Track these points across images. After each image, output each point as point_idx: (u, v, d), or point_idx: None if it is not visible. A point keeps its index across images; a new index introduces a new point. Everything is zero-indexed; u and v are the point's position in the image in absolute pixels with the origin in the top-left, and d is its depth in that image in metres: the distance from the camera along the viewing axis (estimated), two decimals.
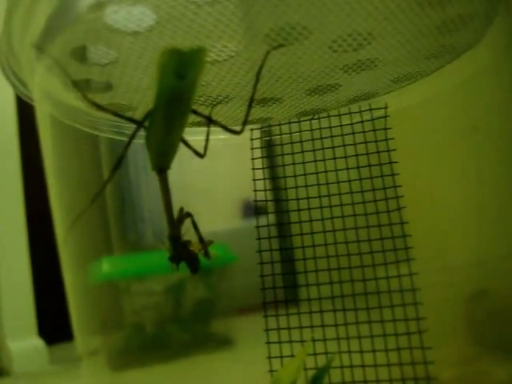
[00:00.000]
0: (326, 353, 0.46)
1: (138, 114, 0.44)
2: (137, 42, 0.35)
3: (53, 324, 1.57)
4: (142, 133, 0.36)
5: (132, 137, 0.36)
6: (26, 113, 1.51)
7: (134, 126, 0.37)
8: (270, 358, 0.47)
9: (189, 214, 0.37)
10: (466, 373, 0.64)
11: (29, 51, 0.38)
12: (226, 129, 0.38)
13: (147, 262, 1.21)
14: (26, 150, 1.52)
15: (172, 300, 1.22)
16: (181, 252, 0.37)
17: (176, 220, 0.37)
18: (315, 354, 0.46)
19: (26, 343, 1.40)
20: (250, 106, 0.37)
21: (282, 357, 0.47)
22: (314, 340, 0.46)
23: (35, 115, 0.45)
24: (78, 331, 0.47)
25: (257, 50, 0.37)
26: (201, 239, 0.38)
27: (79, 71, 0.38)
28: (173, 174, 0.37)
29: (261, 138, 0.52)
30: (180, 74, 0.31)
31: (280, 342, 0.48)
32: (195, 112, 0.38)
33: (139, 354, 1.11)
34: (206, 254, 0.37)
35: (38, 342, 1.42)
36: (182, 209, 0.37)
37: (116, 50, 0.36)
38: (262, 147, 0.52)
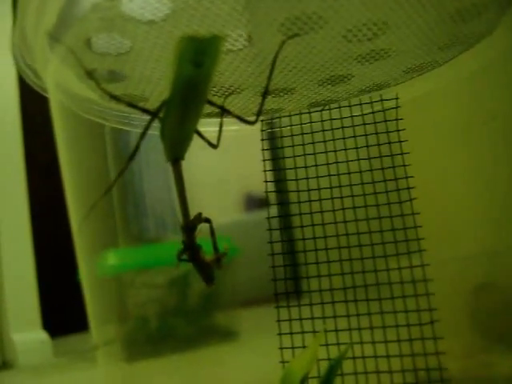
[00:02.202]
0: (338, 343, 0.46)
1: (150, 105, 0.44)
2: (151, 31, 0.34)
3: (57, 317, 1.57)
4: (153, 124, 0.36)
5: (146, 128, 0.36)
6: (28, 103, 1.51)
7: (146, 116, 0.37)
8: (281, 348, 0.47)
9: (207, 220, 0.37)
10: (470, 365, 0.64)
11: (42, 42, 0.38)
12: (240, 119, 0.38)
13: (153, 254, 1.21)
14: (28, 141, 1.52)
15: (176, 293, 1.22)
16: (196, 254, 0.36)
17: (192, 221, 0.36)
18: (327, 345, 0.46)
19: (31, 336, 1.40)
20: (264, 96, 0.37)
21: (293, 348, 0.48)
22: (325, 331, 0.46)
23: (38, 106, 0.45)
24: (93, 322, 0.47)
25: (271, 40, 0.36)
26: (215, 248, 0.38)
27: (93, 61, 0.38)
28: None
29: (271, 129, 0.52)
30: (197, 61, 0.31)
31: (292, 333, 0.48)
32: (209, 102, 0.38)
33: (144, 347, 1.12)
34: (218, 264, 0.37)
35: (43, 335, 1.42)
36: (200, 213, 0.37)
37: (130, 40, 0.35)
38: (271, 138, 0.52)
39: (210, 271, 0.36)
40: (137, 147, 0.36)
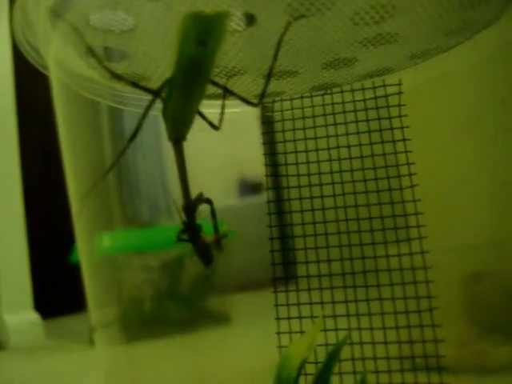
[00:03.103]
0: (336, 329, 0.46)
1: (152, 84, 0.43)
2: (157, 8, 0.34)
3: (49, 298, 1.57)
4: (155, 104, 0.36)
5: (148, 107, 0.36)
6: (24, 84, 1.50)
7: (146, 96, 0.36)
8: (278, 333, 0.47)
9: (209, 201, 0.37)
10: (465, 354, 0.64)
11: (44, 18, 0.37)
12: (243, 100, 0.38)
13: (148, 237, 1.21)
14: (23, 121, 1.51)
15: (170, 276, 1.22)
16: (196, 235, 0.36)
17: (193, 201, 0.36)
18: (325, 330, 0.45)
19: (22, 317, 1.40)
20: (269, 78, 0.37)
21: (290, 333, 0.47)
22: (324, 316, 0.45)
23: (33, 86, 0.44)
24: (91, 303, 0.47)
25: (277, 21, 0.36)
26: (216, 229, 0.37)
27: (95, 38, 0.37)
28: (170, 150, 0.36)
29: (272, 112, 0.51)
30: (201, 40, 0.31)
31: (289, 318, 0.47)
32: (213, 82, 0.37)
33: (138, 329, 1.12)
34: (218, 246, 0.36)
35: (34, 316, 1.42)
36: (201, 194, 0.36)
37: (134, 17, 0.35)
38: (269, 122, 0.52)
39: (208, 252, 0.36)
40: (138, 127, 0.36)
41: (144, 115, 0.36)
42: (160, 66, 0.41)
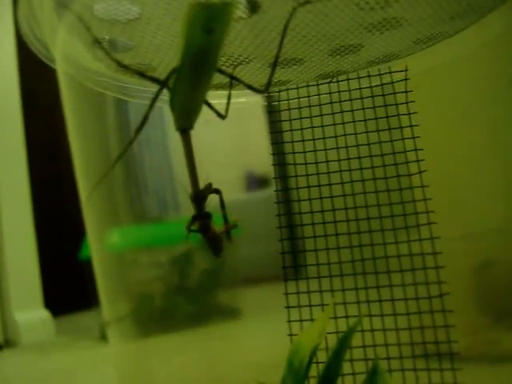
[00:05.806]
0: (347, 316, 0.46)
1: (158, 75, 0.43)
2: None
3: (59, 295, 1.57)
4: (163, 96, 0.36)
5: (155, 98, 0.36)
6: (28, 80, 1.50)
7: (152, 87, 0.36)
8: (289, 321, 0.47)
9: (217, 191, 0.37)
10: (474, 342, 0.64)
11: (50, 10, 0.37)
12: (249, 87, 0.38)
13: (157, 233, 1.21)
14: (28, 122, 1.52)
15: (179, 271, 1.22)
16: (206, 224, 0.36)
17: (202, 190, 0.36)
18: (335, 318, 0.45)
19: (33, 314, 1.40)
20: (275, 66, 0.37)
21: (301, 321, 0.47)
22: (334, 304, 0.45)
23: (38, 83, 0.44)
24: (103, 299, 0.47)
25: (283, 7, 0.36)
26: (225, 219, 0.37)
27: (101, 29, 0.37)
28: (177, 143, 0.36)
29: (278, 101, 0.51)
30: (208, 28, 0.31)
31: (300, 306, 0.47)
32: (219, 71, 0.37)
33: (149, 325, 1.12)
34: (228, 237, 0.37)
35: (45, 314, 1.43)
36: (210, 184, 0.36)
37: (140, 6, 0.35)
38: (276, 111, 0.52)
39: (218, 242, 0.36)
40: (145, 118, 0.36)
41: (151, 106, 0.36)
42: (166, 55, 0.41)
